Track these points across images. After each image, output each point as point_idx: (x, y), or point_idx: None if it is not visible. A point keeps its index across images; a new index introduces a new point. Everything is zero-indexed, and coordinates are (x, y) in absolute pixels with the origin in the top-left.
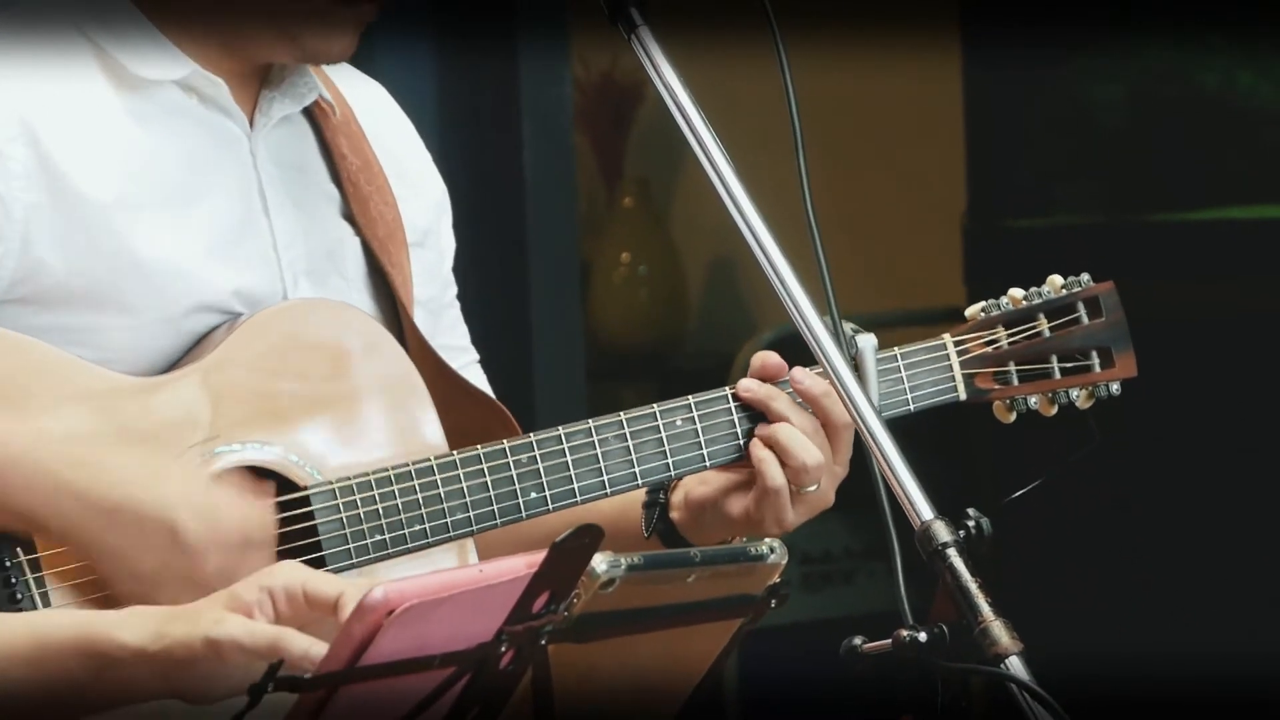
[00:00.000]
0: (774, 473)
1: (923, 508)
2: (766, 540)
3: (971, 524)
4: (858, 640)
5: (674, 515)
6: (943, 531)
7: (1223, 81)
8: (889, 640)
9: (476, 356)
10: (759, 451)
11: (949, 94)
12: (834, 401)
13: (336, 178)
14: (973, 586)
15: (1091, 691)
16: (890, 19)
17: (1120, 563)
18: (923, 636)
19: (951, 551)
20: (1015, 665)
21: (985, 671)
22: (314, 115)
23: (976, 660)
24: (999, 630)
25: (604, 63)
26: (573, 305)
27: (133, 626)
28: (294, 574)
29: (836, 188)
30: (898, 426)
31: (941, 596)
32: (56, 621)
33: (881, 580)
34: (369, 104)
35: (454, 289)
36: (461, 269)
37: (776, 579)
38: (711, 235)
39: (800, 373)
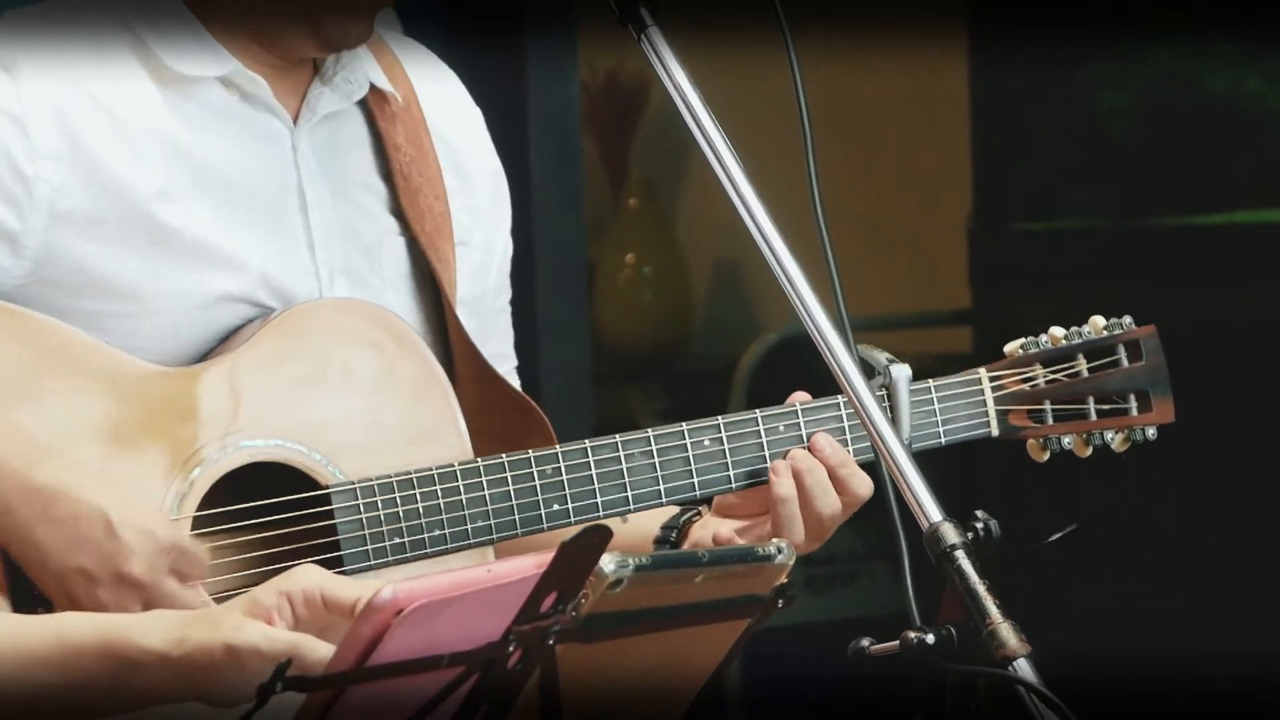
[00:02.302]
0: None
1: (931, 509)
2: (774, 541)
3: (980, 526)
4: (865, 641)
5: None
6: (951, 533)
7: (1230, 87)
8: (896, 642)
9: (515, 363)
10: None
11: (955, 97)
12: (849, 472)
13: (386, 170)
14: (981, 588)
15: (1099, 693)
16: (898, 22)
17: (1128, 565)
18: (930, 638)
19: (960, 553)
20: (1023, 667)
21: (993, 674)
22: (368, 104)
23: (984, 662)
24: (1007, 632)
25: (609, 65)
26: (578, 307)
27: (154, 631)
28: (313, 578)
29: (843, 191)
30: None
31: (949, 598)
32: (80, 623)
33: (885, 582)
34: (435, 91)
35: (508, 294)
36: None
37: (783, 579)
38: (717, 237)
39: (821, 440)
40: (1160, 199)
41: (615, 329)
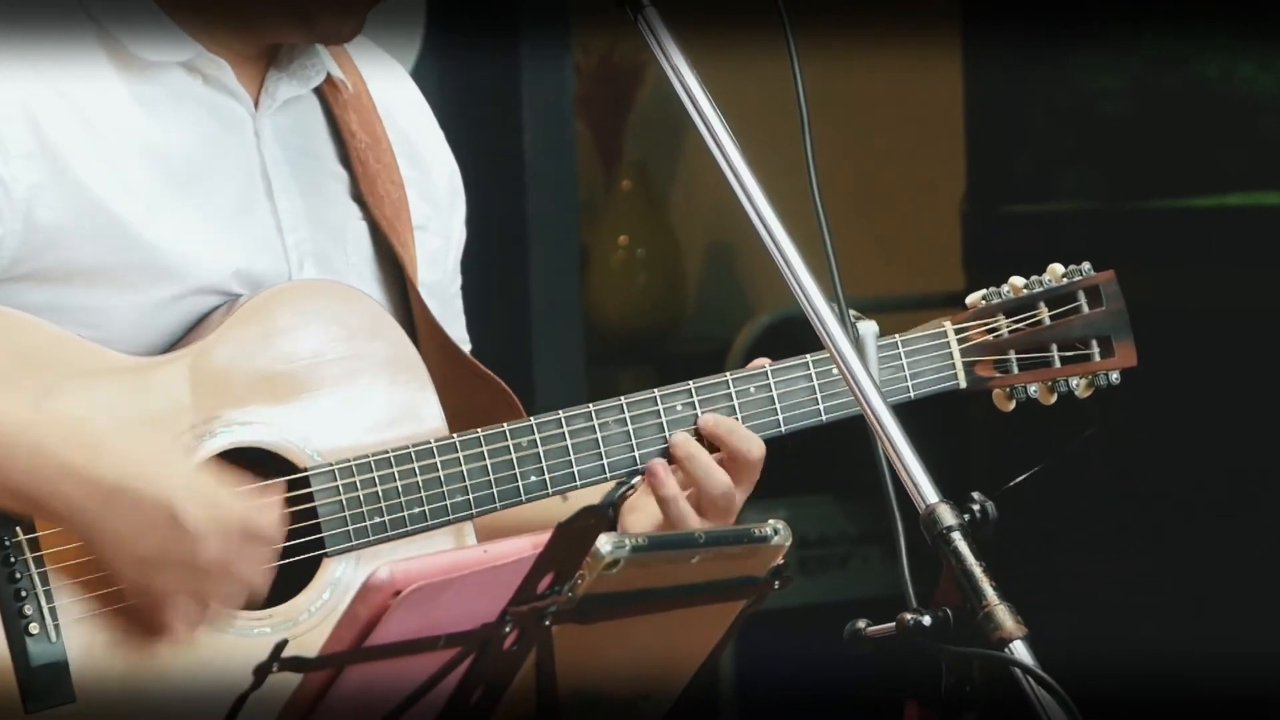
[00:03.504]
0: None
1: (928, 491)
2: (771, 522)
3: (976, 508)
4: (861, 623)
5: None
6: (948, 515)
7: (1223, 71)
8: (892, 624)
9: (470, 347)
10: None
11: (949, 80)
12: (737, 438)
13: (345, 156)
14: (977, 570)
15: (1095, 675)
16: (892, 7)
17: (1121, 548)
18: (926, 620)
19: (956, 535)
20: (1019, 649)
21: (990, 656)
22: (323, 92)
23: (981, 644)
24: (1003, 614)
25: (603, 47)
26: (571, 289)
27: None
28: None
29: (837, 175)
30: (899, 410)
31: (946, 580)
32: None
33: (877, 565)
34: (385, 82)
35: (459, 281)
36: (463, 253)
37: (780, 561)
38: (709, 219)
39: (705, 420)
40: (1152, 182)
41: (608, 311)
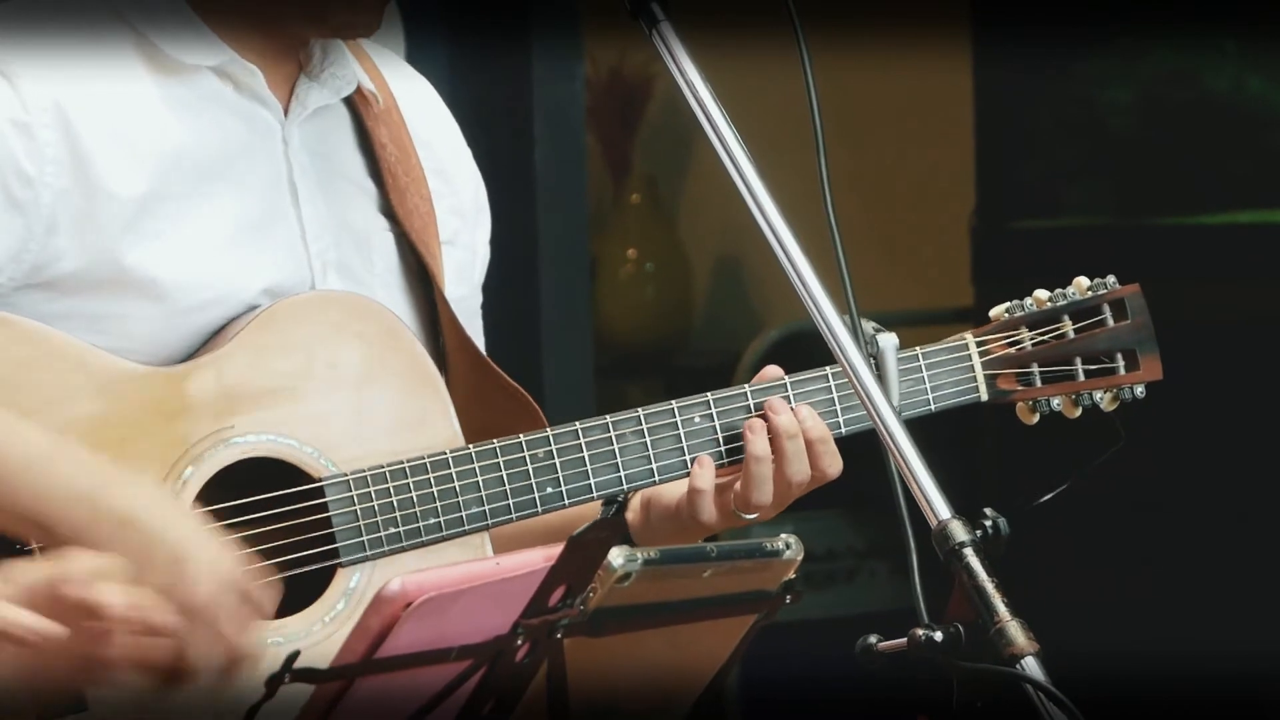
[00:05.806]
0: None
1: (940, 506)
2: (783, 536)
3: (988, 523)
4: (873, 638)
5: (629, 516)
6: (960, 530)
7: (1232, 86)
8: (904, 639)
9: None
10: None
11: (959, 95)
12: (826, 450)
13: (375, 168)
14: (989, 586)
15: (1107, 692)
16: (902, 21)
17: (1134, 563)
18: (938, 636)
19: (968, 550)
20: (1031, 665)
21: (1001, 672)
22: (354, 104)
23: (992, 660)
24: (1015, 630)
25: (613, 60)
26: (582, 302)
27: None
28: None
29: (846, 188)
30: (913, 424)
31: (958, 596)
32: None
33: (884, 579)
34: (413, 97)
35: (480, 298)
36: None
37: (791, 575)
38: (718, 233)
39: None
40: (1161, 197)
41: (617, 324)
